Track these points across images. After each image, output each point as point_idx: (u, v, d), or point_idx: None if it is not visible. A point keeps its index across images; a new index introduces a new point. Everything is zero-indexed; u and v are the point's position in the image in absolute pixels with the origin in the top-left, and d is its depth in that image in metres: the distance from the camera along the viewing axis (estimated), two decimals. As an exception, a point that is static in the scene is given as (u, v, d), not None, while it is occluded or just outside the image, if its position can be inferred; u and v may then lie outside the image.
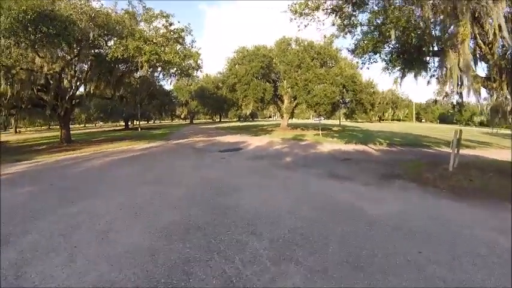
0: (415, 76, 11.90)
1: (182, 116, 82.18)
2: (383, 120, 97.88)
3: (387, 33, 10.39)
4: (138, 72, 20.79)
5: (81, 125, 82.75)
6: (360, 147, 18.62)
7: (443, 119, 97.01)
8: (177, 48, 19.57)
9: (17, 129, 57.56)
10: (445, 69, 11.12)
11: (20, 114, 28.97)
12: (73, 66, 21.48)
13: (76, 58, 20.06)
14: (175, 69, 20.91)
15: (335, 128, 39.66)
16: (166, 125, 71.36)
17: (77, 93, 24.41)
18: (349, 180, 9.08)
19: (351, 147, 18.67)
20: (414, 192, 7.72)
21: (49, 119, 31.95)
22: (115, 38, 17.79)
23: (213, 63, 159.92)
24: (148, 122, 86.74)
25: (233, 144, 19.98)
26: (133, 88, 26.12)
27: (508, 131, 27.40)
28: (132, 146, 20.13)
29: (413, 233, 4.97)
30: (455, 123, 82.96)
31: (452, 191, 7.83)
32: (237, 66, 35.13)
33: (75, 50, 19.10)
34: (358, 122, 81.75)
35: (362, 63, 12.86)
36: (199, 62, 21.23)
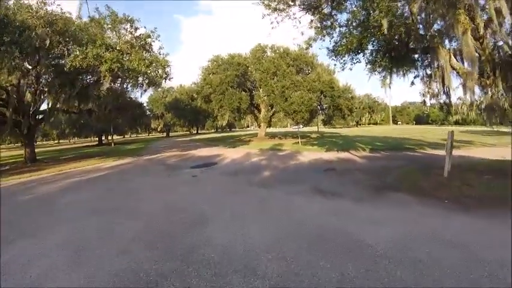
0: (404, 75, 10.96)
1: (158, 129, 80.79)
2: (360, 125, 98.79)
3: (372, 29, 9.37)
4: (106, 84, 19.18)
5: (55, 142, 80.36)
6: (342, 154, 17.63)
7: (419, 120, 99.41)
8: (143, 55, 18.13)
9: (-12, 148, 55.06)
10: (435, 66, 10.31)
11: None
12: (33, 78, 19.79)
13: (35, 69, 18.38)
14: (142, 78, 19.38)
15: (313, 135, 39.05)
16: (142, 139, 69.63)
17: (42, 108, 22.70)
18: (337, 196, 7.88)
19: (332, 155, 17.65)
20: (414, 207, 6.64)
21: (19, 136, 29.26)
22: (74, 46, 16.17)
23: (191, 75, 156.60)
24: (124, 137, 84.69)
25: (207, 159, 18.69)
26: (102, 101, 24.41)
27: (506, 129, 27.01)
28: (99, 164, 18.67)
29: (427, 266, 3.88)
30: (431, 123, 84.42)
31: (455, 200, 6.90)
32: (211, 75, 34.26)
33: (34, 60, 17.43)
34: (335, 127, 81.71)
35: (344, 63, 11.70)
36: (167, 69, 19.81)
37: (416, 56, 10.90)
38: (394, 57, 10.32)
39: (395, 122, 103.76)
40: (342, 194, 8.06)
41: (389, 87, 11.55)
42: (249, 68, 34.88)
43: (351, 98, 38.12)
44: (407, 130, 46.71)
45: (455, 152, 14.47)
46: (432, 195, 7.49)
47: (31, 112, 21.01)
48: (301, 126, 29.75)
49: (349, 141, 27.83)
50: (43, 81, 20.51)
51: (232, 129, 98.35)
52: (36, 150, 24.09)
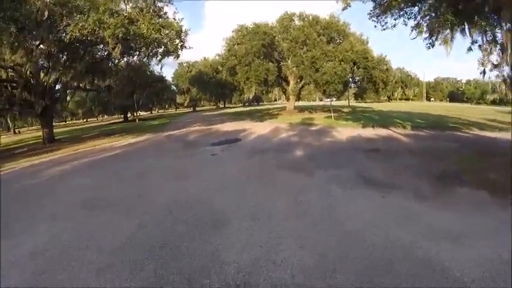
0: (471, 34, 8.91)
1: (185, 104, 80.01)
2: (392, 100, 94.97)
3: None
4: (117, 55, 17.56)
5: (84, 120, 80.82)
6: (382, 131, 15.67)
7: (453, 97, 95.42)
8: (154, 20, 16.40)
9: (16, 130, 55.45)
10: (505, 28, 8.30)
11: (9, 115, 26.32)
12: (43, 56, 18.52)
13: (42, 45, 17.05)
14: (155, 46, 17.74)
15: (345, 110, 36.86)
16: (168, 114, 69.04)
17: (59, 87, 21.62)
18: (393, 189, 6.03)
19: (370, 131, 15.74)
20: (494, 211, 4.83)
21: (34, 116, 28.30)
22: (77, 16, 14.68)
23: (216, 50, 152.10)
24: (151, 113, 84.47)
25: (231, 134, 17.15)
26: (119, 76, 23.04)
27: None
28: (116, 143, 17.52)
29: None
30: (466, 101, 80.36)
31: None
32: (236, 46, 32.27)
33: (38, 36, 16.05)
34: (366, 102, 78.50)
35: (394, 19, 9.66)
36: (183, 36, 18.05)
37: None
38: (462, 11, 8.15)
39: (428, 98, 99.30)
40: (397, 185, 6.25)
41: (450, 47, 9.51)
42: (276, 38, 32.80)
43: (386, 70, 35.63)
44: (443, 107, 43.31)
45: (506, 135, 12.41)
46: (507, 191, 5.61)
47: (45, 92, 19.93)
48: (333, 99, 27.74)
49: (384, 116, 25.74)
50: (56, 58, 19.18)
51: (260, 103, 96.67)
52: (61, 129, 23.35)
